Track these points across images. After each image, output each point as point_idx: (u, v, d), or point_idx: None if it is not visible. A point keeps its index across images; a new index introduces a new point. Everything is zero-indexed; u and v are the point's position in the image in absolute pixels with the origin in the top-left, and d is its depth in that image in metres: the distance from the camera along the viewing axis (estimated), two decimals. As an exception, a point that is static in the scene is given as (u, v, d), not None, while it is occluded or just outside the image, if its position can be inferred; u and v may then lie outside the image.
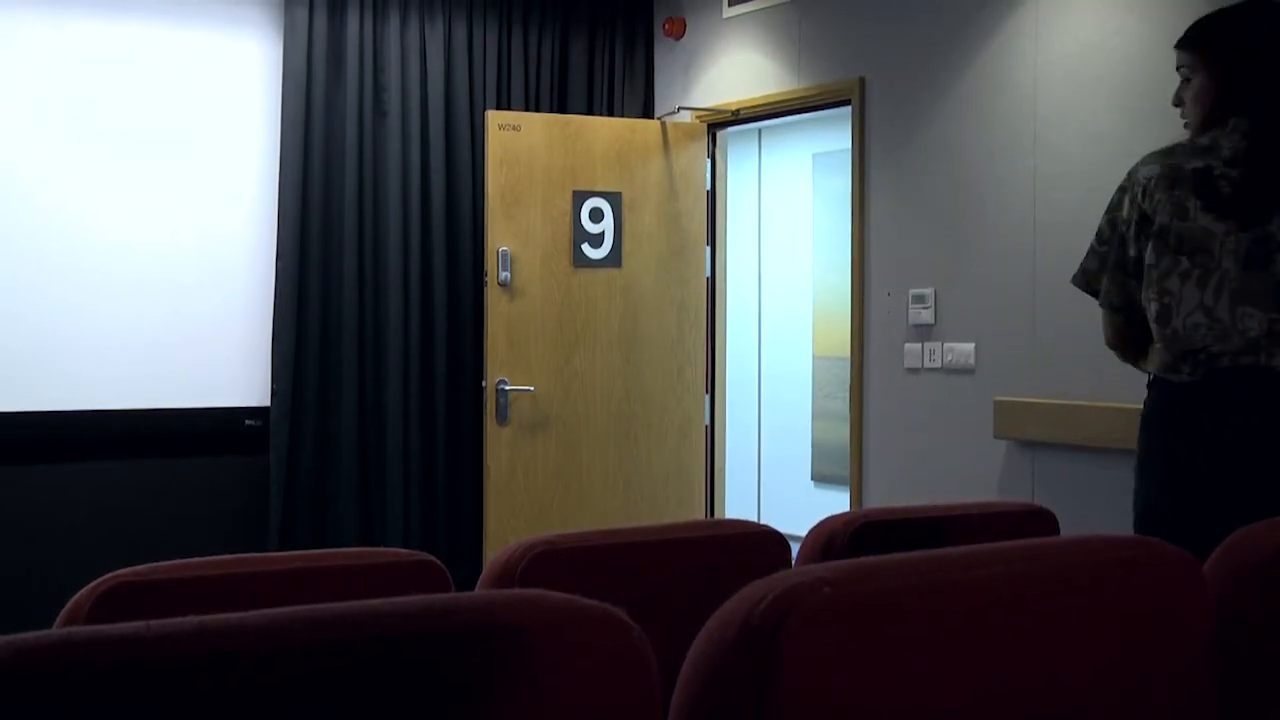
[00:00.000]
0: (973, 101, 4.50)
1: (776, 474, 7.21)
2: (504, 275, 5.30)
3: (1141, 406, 2.54)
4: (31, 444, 4.95)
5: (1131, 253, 2.36)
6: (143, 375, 5.12)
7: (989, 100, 4.44)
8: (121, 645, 0.93)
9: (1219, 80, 2.39)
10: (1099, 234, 2.46)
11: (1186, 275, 2.29)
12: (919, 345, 4.68)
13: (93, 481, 5.07)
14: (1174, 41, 2.70)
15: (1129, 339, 2.44)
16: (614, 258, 5.51)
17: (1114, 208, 2.43)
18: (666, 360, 5.60)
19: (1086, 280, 2.50)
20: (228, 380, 5.29)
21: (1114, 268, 2.40)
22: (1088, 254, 2.49)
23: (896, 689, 1.17)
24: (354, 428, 5.38)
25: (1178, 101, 2.52)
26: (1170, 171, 2.32)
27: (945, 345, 4.59)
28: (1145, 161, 2.42)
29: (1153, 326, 2.34)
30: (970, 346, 4.51)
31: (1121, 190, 2.43)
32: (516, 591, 1.14)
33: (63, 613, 1.77)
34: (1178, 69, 2.52)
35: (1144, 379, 2.56)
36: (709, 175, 5.72)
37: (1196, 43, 2.46)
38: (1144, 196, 2.34)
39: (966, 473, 4.48)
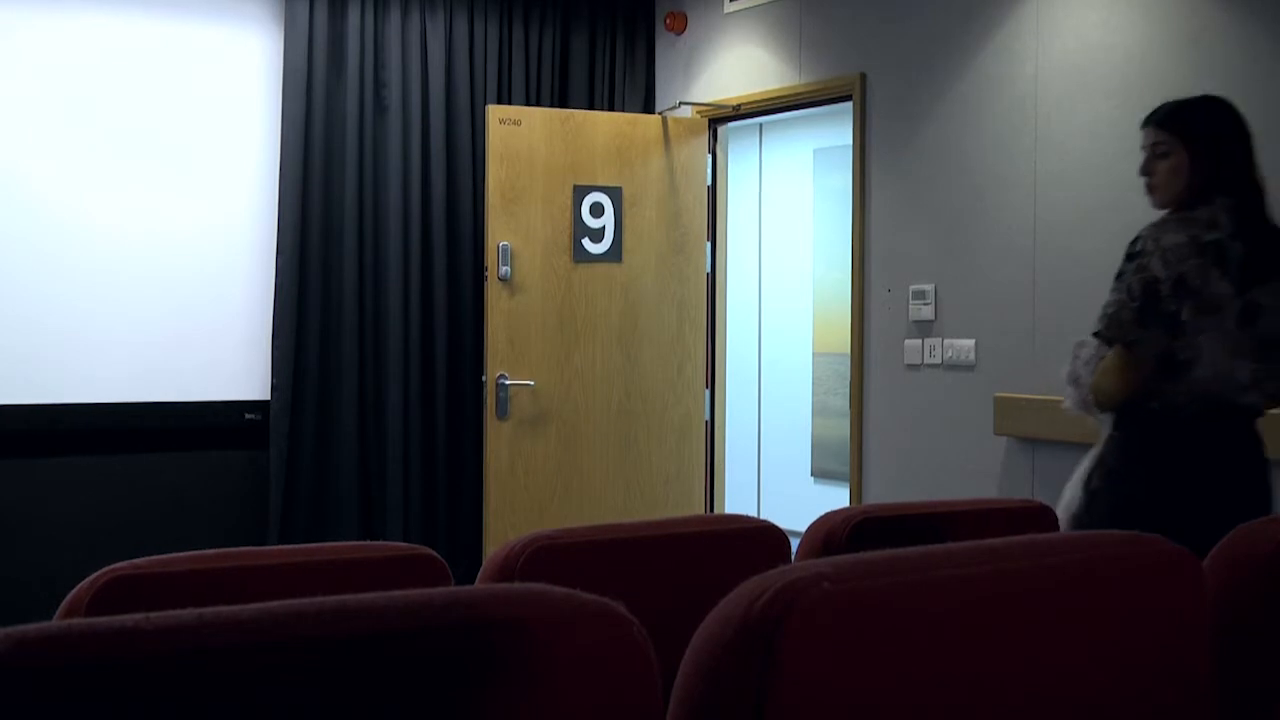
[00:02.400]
0: (974, 98, 4.49)
1: (776, 470, 7.22)
2: (504, 270, 5.30)
3: None
4: (32, 437, 4.95)
5: (1170, 309, 2.65)
6: (143, 369, 5.12)
7: (990, 97, 4.44)
8: (121, 638, 0.93)
9: (1203, 162, 2.73)
10: (1129, 291, 2.69)
11: (1209, 332, 2.66)
12: (919, 341, 4.68)
13: (93, 475, 5.07)
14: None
15: (1143, 384, 2.72)
16: (614, 253, 5.50)
17: (1142, 269, 2.68)
18: (667, 356, 5.60)
19: (1120, 331, 2.72)
20: (228, 374, 5.29)
21: (1154, 324, 2.67)
22: (1118, 307, 2.71)
23: (896, 684, 1.17)
24: (354, 422, 5.38)
25: (1147, 171, 2.83)
26: (1193, 241, 2.66)
27: (945, 341, 4.59)
28: (1165, 230, 2.70)
29: (1182, 373, 2.69)
30: (970, 343, 4.51)
31: (1147, 254, 2.68)
32: (516, 586, 1.14)
33: (62, 605, 1.77)
34: (1152, 144, 2.82)
35: None
36: (710, 171, 5.71)
37: (1179, 128, 2.78)
38: (1178, 262, 2.65)
39: (966, 469, 4.48)
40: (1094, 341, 2.79)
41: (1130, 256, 2.72)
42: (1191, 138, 2.76)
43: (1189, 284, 2.65)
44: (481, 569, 1.97)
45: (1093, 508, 2.78)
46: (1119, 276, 2.73)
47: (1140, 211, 3.99)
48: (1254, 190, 2.73)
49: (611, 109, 5.83)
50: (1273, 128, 3.71)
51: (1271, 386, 2.71)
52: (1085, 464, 2.89)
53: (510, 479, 5.33)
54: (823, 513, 2.19)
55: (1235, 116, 2.79)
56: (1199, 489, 2.68)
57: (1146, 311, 2.67)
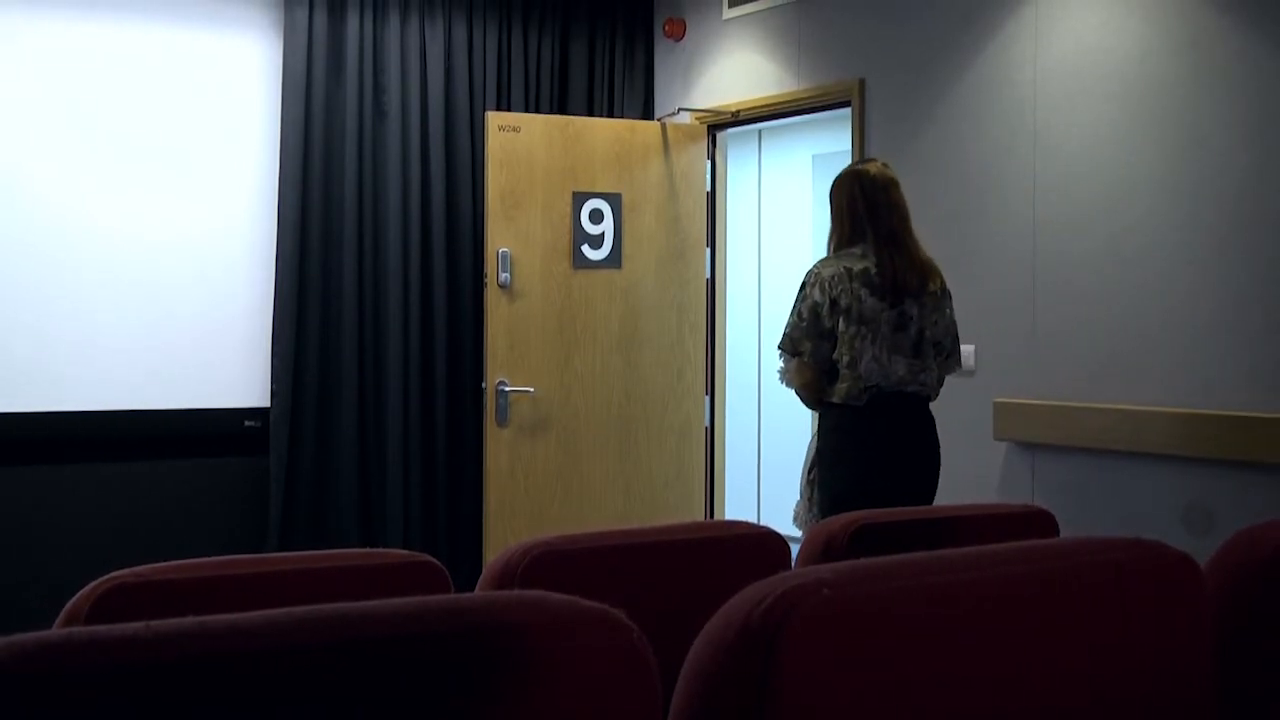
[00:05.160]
0: (972, 103, 4.50)
1: (776, 475, 7.20)
2: (504, 276, 5.30)
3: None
4: (31, 445, 4.95)
5: (829, 325, 3.53)
6: (142, 376, 5.12)
7: (989, 102, 4.44)
8: (121, 646, 0.93)
9: (842, 219, 3.67)
10: (799, 314, 3.58)
11: (865, 338, 3.50)
12: (919, 346, 4.67)
13: (92, 482, 5.06)
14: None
15: (816, 382, 3.58)
16: (614, 259, 5.51)
17: (807, 298, 3.57)
18: (666, 361, 5.60)
19: (793, 345, 3.60)
20: (227, 381, 5.28)
21: (816, 336, 3.55)
22: (792, 327, 3.60)
23: (896, 690, 1.17)
24: (354, 429, 5.38)
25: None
26: (846, 272, 3.53)
27: (945, 346, 4.59)
28: (824, 265, 3.60)
29: (844, 371, 3.51)
30: (970, 348, 4.50)
31: (810, 285, 3.59)
32: (516, 593, 1.14)
33: (62, 613, 1.76)
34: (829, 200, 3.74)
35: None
36: (709, 176, 5.72)
37: (829, 197, 3.74)
38: (832, 289, 3.53)
39: (966, 474, 4.47)
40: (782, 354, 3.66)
41: (801, 287, 3.61)
42: (832, 205, 3.71)
43: (841, 305, 3.51)
44: (481, 576, 1.97)
45: (815, 493, 3.62)
46: (794, 304, 3.61)
47: (1139, 215, 4.01)
48: (892, 232, 3.58)
49: (611, 115, 5.84)
50: (1272, 128, 3.72)
51: (926, 377, 3.57)
52: (805, 461, 3.73)
53: (510, 485, 5.33)
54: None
55: (865, 183, 3.64)
56: (880, 456, 3.51)
57: (811, 329, 3.55)
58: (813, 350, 3.56)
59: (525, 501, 5.34)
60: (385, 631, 1.01)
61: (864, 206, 3.63)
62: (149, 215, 5.13)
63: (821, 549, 2.11)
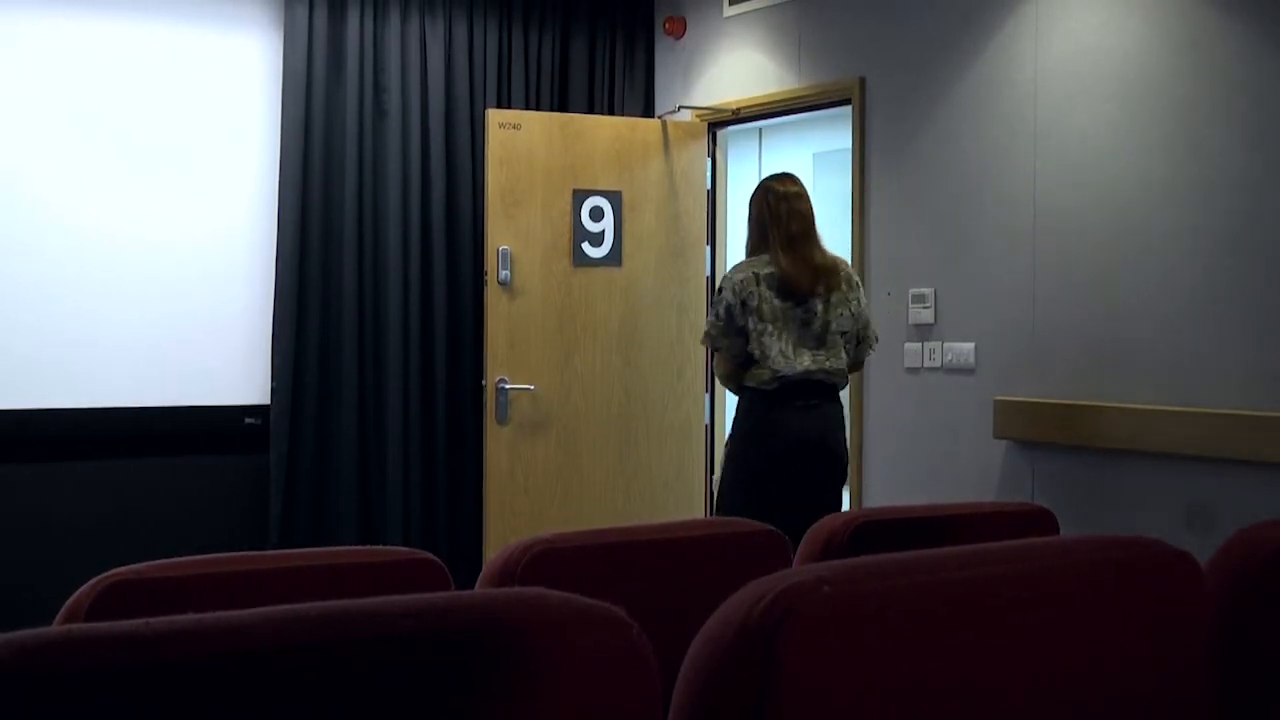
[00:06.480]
0: (973, 102, 4.50)
1: (776, 473, 7.19)
2: (504, 274, 5.30)
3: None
4: (31, 442, 4.95)
5: (742, 323, 4.01)
6: (142, 374, 5.11)
7: (989, 100, 4.44)
8: (120, 643, 0.93)
9: (753, 227, 4.16)
10: (717, 314, 4.09)
11: (774, 333, 3.99)
12: (919, 345, 4.68)
13: (93, 479, 5.06)
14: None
15: (735, 373, 4.07)
16: (614, 257, 5.51)
17: (722, 300, 4.07)
18: (666, 359, 5.60)
19: (713, 342, 4.14)
20: (228, 379, 5.28)
21: (733, 334, 4.04)
22: (711, 325, 4.13)
23: (895, 688, 1.17)
24: (354, 426, 5.38)
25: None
26: (754, 276, 4.02)
27: (945, 345, 4.59)
28: (737, 270, 4.09)
29: (760, 361, 3.99)
30: (970, 346, 4.51)
31: (724, 289, 4.08)
32: (516, 590, 1.14)
33: (62, 611, 1.77)
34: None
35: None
36: (709, 174, 5.71)
37: (751, 202, 4.21)
38: (743, 291, 4.01)
39: (966, 473, 4.48)
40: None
41: (718, 291, 4.12)
42: (748, 215, 4.20)
43: (750, 304, 3.99)
44: (481, 573, 1.97)
45: (726, 467, 4.09)
46: (712, 305, 4.16)
47: (1139, 214, 4.01)
48: (791, 238, 4.03)
49: (611, 113, 5.84)
50: (1272, 127, 3.71)
51: (832, 365, 4.03)
52: (727, 437, 4.20)
53: (510, 483, 5.33)
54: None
55: (770, 196, 4.12)
56: (785, 433, 3.98)
57: (728, 327, 4.04)
58: (729, 345, 4.08)
59: (525, 499, 5.34)
60: (385, 629, 1.01)
61: (770, 216, 4.10)
62: (149, 214, 5.13)
63: (821, 547, 2.11)
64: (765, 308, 4.00)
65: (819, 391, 4.03)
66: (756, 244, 4.15)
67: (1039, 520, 2.40)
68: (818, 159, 6.98)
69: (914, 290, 4.69)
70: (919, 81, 4.69)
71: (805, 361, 3.99)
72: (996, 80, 4.42)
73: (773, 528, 2.22)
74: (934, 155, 4.63)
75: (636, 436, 5.54)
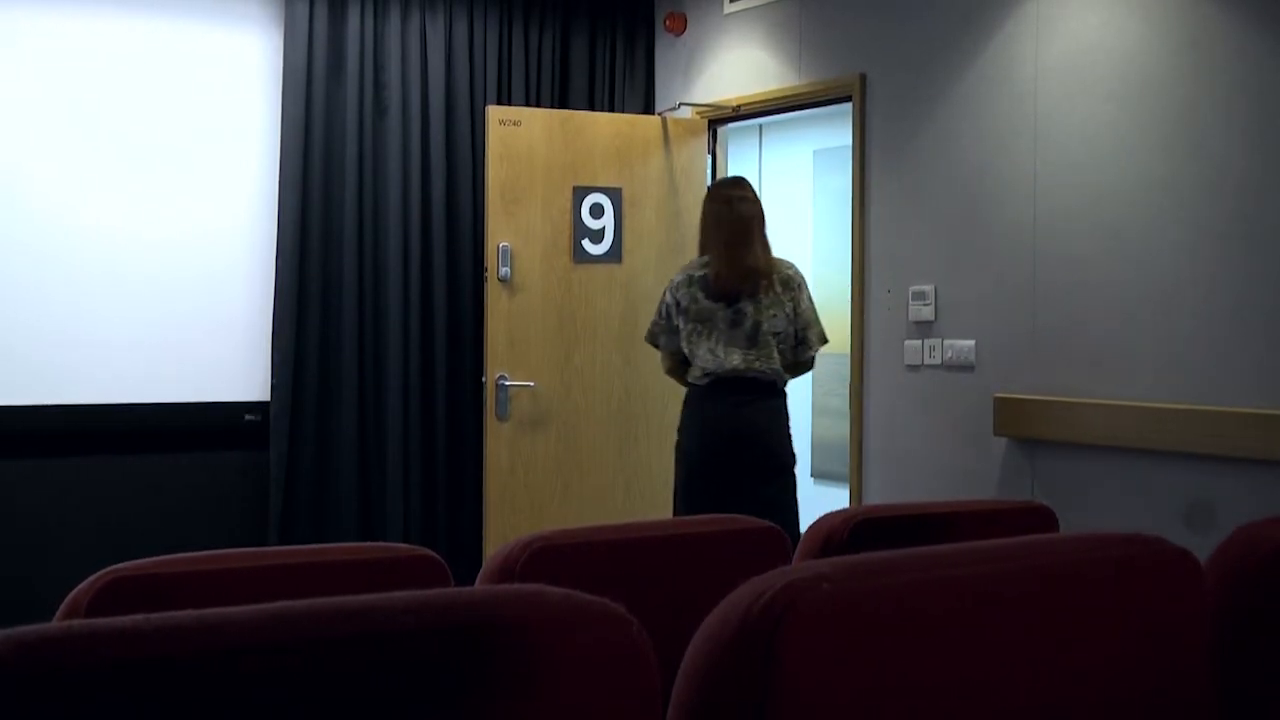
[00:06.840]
0: (974, 99, 4.49)
1: (776, 471, 7.19)
2: (504, 271, 5.29)
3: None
4: (32, 438, 4.95)
5: (676, 323, 4.30)
6: (143, 370, 5.12)
7: (990, 98, 4.44)
8: (120, 639, 0.93)
9: (704, 228, 4.37)
10: (659, 313, 4.39)
11: (703, 333, 4.23)
12: (919, 342, 4.68)
13: (93, 476, 5.07)
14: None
15: (676, 368, 4.38)
16: (614, 253, 5.50)
17: (663, 300, 4.37)
18: (666, 357, 5.59)
19: (653, 338, 4.46)
20: (228, 375, 5.28)
21: (669, 333, 4.34)
22: (653, 324, 4.44)
23: (895, 685, 1.17)
24: (354, 423, 5.38)
25: None
26: (689, 279, 4.29)
27: (945, 342, 4.59)
28: (680, 272, 4.38)
29: (691, 359, 4.26)
30: (970, 343, 4.51)
31: (666, 290, 4.38)
32: (516, 587, 1.14)
33: (62, 607, 1.77)
34: None
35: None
36: (710, 171, 5.71)
37: (701, 209, 4.43)
38: (678, 292, 4.30)
39: (966, 470, 4.48)
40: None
41: (664, 294, 4.40)
42: (702, 219, 4.39)
43: (682, 305, 4.27)
44: (481, 570, 1.97)
45: (675, 461, 4.36)
46: (658, 304, 4.43)
47: (1139, 212, 4.01)
48: (727, 242, 4.23)
49: (611, 110, 5.83)
50: (1271, 128, 3.71)
51: (764, 364, 4.21)
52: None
53: (510, 479, 5.33)
54: (822, 513, 2.19)
55: (713, 201, 4.37)
56: (716, 424, 4.21)
57: (666, 325, 4.36)
58: (666, 343, 4.39)
59: (525, 496, 5.34)
60: (385, 625, 1.02)
61: (711, 221, 4.33)
62: (149, 211, 5.13)
63: (821, 544, 2.11)
64: (694, 308, 4.24)
65: (752, 388, 4.20)
66: (701, 246, 4.38)
67: (1039, 517, 2.40)
68: (818, 156, 6.98)
69: (914, 287, 4.69)
70: (920, 79, 4.69)
71: (735, 360, 4.19)
72: (997, 79, 4.41)
73: (771, 524, 2.22)
74: (934, 153, 4.63)
75: (636, 433, 5.54)
